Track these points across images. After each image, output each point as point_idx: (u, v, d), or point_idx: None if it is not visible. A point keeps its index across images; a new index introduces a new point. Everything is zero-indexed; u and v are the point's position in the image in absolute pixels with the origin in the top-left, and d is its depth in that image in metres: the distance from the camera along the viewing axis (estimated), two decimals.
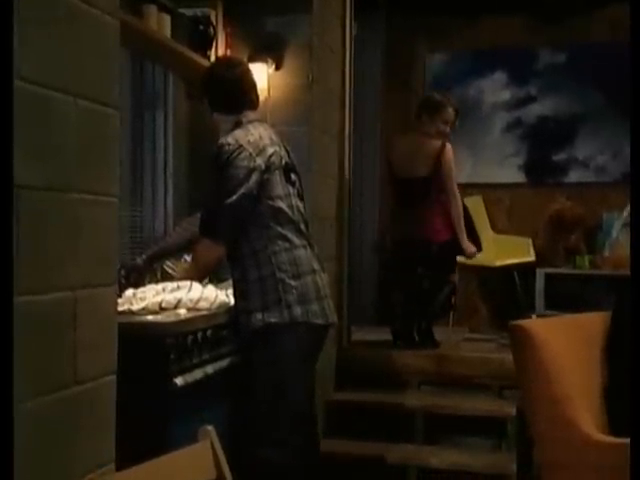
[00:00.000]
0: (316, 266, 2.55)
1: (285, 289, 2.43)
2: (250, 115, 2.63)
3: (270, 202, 2.47)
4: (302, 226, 2.57)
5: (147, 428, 1.92)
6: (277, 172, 2.52)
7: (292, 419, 2.44)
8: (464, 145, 4.94)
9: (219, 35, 3.37)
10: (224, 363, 2.33)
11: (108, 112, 1.74)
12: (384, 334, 4.22)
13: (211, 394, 2.24)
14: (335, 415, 3.76)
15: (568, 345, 2.61)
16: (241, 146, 2.46)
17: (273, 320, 2.41)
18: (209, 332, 2.25)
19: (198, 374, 2.14)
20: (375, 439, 3.59)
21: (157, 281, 3.03)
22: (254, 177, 2.44)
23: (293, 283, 2.45)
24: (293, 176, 2.62)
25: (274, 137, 2.60)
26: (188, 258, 3.38)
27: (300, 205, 2.61)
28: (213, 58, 3.34)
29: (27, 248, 1.42)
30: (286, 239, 2.48)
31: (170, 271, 3.28)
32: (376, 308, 5.23)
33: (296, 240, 2.51)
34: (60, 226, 1.56)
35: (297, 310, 2.43)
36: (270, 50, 3.46)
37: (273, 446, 2.39)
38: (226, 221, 2.44)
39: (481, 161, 5.13)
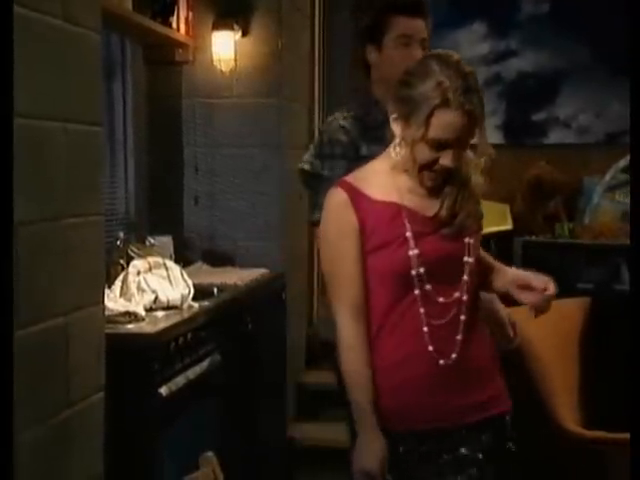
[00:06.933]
0: None
1: None
2: None
3: None
4: None
5: (137, 441, 2.18)
6: None
7: None
8: None
9: None
10: (205, 364, 2.59)
11: (94, 130, 1.94)
12: None
13: (197, 397, 2.50)
14: (307, 398, 4.01)
15: (547, 335, 2.92)
16: None
17: None
18: (189, 336, 2.50)
19: (181, 380, 2.40)
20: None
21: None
22: None
23: None
24: None
25: None
26: (153, 240, 3.58)
27: None
28: (175, 25, 3.49)
29: (22, 282, 1.60)
30: None
31: (135, 256, 3.48)
32: None
33: None
34: (52, 254, 1.76)
35: None
36: (236, 15, 3.58)
37: None
38: None
39: None
